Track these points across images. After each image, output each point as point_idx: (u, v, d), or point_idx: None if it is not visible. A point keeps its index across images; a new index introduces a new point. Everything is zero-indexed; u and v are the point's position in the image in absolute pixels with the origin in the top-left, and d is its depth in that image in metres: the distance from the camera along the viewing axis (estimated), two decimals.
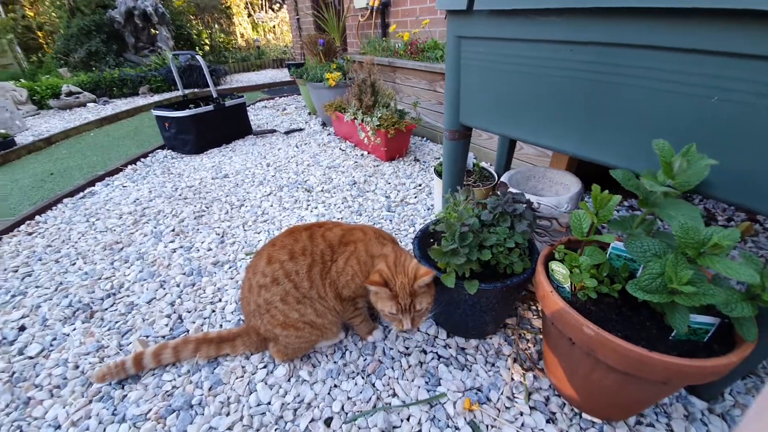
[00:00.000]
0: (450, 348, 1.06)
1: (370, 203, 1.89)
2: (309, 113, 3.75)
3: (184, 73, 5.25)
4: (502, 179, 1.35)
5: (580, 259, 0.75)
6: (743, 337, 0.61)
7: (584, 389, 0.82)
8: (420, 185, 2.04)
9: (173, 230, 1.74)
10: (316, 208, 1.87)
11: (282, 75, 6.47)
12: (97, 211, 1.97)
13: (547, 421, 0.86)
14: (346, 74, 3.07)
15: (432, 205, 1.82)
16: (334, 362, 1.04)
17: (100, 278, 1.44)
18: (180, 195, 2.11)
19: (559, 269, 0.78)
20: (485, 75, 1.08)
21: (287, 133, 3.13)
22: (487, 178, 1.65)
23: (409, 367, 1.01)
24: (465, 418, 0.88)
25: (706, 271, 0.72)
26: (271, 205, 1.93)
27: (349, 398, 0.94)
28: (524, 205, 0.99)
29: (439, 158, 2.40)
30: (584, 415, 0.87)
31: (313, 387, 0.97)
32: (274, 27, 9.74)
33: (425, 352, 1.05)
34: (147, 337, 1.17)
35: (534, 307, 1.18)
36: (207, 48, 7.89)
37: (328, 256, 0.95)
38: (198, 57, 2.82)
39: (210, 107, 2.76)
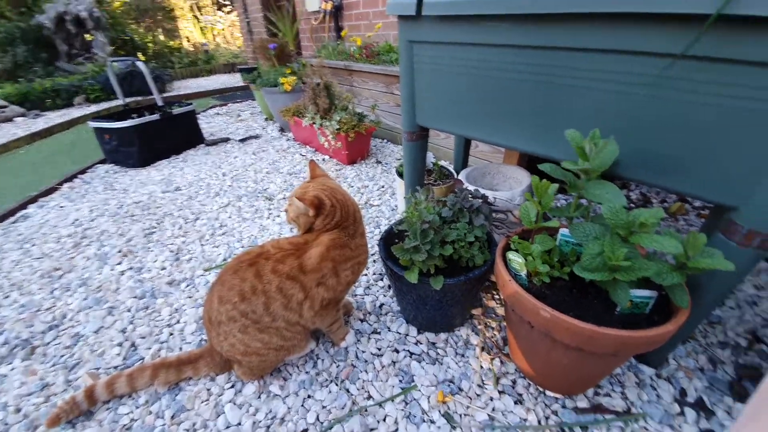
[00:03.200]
0: (421, 344, 1.08)
1: None
2: (265, 119, 3.65)
3: (124, 81, 4.88)
4: (459, 177, 1.40)
5: (532, 247, 0.79)
6: (678, 304, 0.68)
7: (545, 368, 0.87)
8: (383, 187, 2.06)
9: (120, 251, 1.61)
10: (278, 216, 1.82)
11: (234, 80, 6.23)
12: (32, 236, 1.77)
13: (515, 403, 0.91)
14: (301, 78, 3.02)
15: (396, 206, 1.85)
16: (306, 372, 1.02)
17: (39, 310, 1.30)
18: (126, 212, 1.96)
19: (515, 258, 0.82)
20: (437, 77, 1.12)
21: (243, 140, 3.02)
22: (447, 176, 1.70)
23: (383, 367, 1.02)
24: (439, 411, 0.90)
25: (640, 248, 0.80)
26: (230, 217, 1.85)
27: (323, 407, 0.93)
28: (480, 201, 1.04)
29: (400, 159, 2.44)
30: (547, 392, 0.92)
31: (286, 401, 0.95)
32: (223, 30, 9.36)
33: (397, 351, 1.06)
34: (97, 369, 1.08)
35: (497, 296, 1.23)
36: (151, 53, 7.41)
37: (294, 288, 0.87)
38: (139, 63, 2.63)
39: (155, 116, 2.59)
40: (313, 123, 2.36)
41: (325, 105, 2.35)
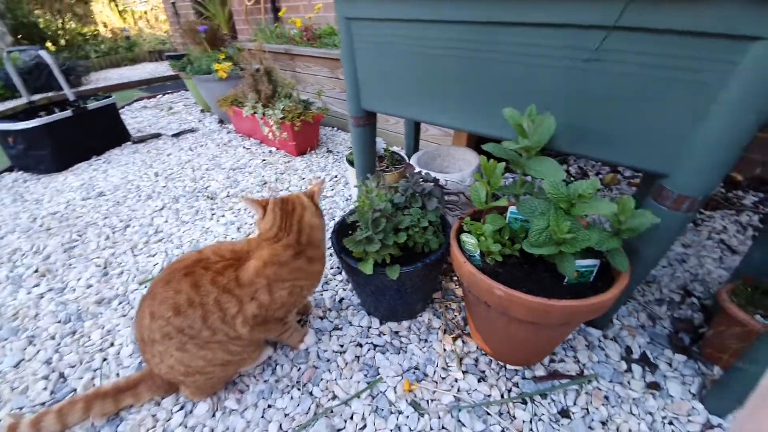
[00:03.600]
0: (384, 335, 1.06)
1: None
2: (202, 110, 3.35)
3: (30, 75, 4.20)
4: (410, 161, 1.37)
5: (483, 228, 0.79)
6: (618, 268, 0.72)
7: (504, 344, 0.89)
8: (336, 177, 1.99)
9: (36, 271, 1.40)
10: (223, 216, 1.68)
11: (163, 68, 5.64)
12: None
13: (479, 381, 0.92)
14: (238, 64, 2.79)
15: (350, 196, 1.79)
16: (265, 381, 0.95)
17: None
18: (41, 226, 1.70)
19: (468, 240, 0.81)
20: (378, 58, 1.06)
21: (177, 135, 2.75)
22: (399, 162, 1.67)
23: (346, 364, 0.98)
24: (406, 400, 0.89)
25: (582, 220, 0.83)
26: (166, 221, 1.67)
27: (286, 415, 0.88)
28: (432, 184, 1.02)
29: (351, 147, 2.36)
30: (508, 366, 0.95)
31: (244, 414, 0.88)
32: (145, 13, 8.40)
33: (360, 345, 1.03)
34: (20, 409, 0.93)
35: (455, 278, 1.24)
36: (63, 42, 6.45)
37: (230, 302, 0.79)
38: (42, 53, 2.25)
39: (67, 113, 2.26)
40: (255, 113, 2.20)
41: (267, 92, 2.19)
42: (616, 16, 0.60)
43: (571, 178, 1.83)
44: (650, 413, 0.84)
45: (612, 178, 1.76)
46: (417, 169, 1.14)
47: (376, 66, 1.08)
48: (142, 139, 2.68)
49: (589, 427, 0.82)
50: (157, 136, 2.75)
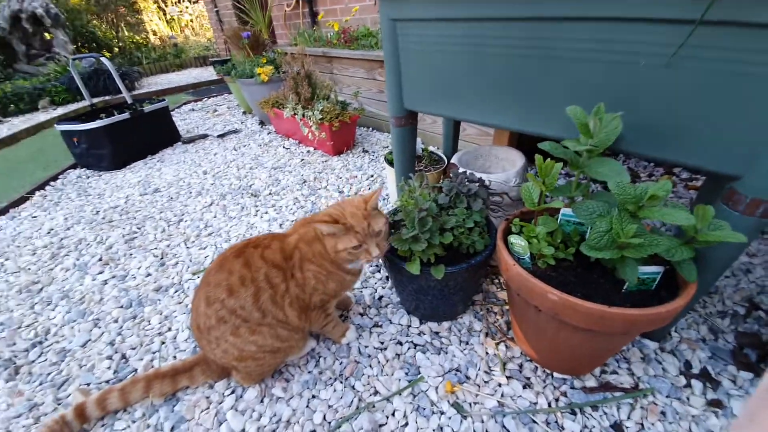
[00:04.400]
0: (424, 335, 1.06)
1: (324, 201, 1.81)
2: (244, 112, 3.51)
3: (90, 80, 4.60)
4: (452, 161, 1.36)
5: (536, 229, 0.77)
6: (686, 278, 0.67)
7: (552, 351, 0.86)
8: (372, 176, 2.01)
9: (100, 259, 1.53)
10: (266, 213, 1.75)
11: (208, 74, 5.97)
12: (5, 250, 1.66)
13: (524, 387, 0.90)
14: (279, 68, 2.90)
15: (387, 195, 1.80)
16: (309, 372, 0.98)
17: (20, 327, 1.22)
18: (104, 218, 1.85)
19: (518, 242, 0.80)
20: (424, 57, 1.07)
21: (222, 136, 2.90)
22: (437, 162, 1.66)
23: (387, 361, 0.99)
24: (449, 401, 0.88)
25: (645, 224, 0.78)
26: (215, 216, 1.77)
27: (329, 407, 0.90)
28: (477, 184, 1.00)
29: (387, 147, 2.38)
30: (555, 374, 0.92)
31: (290, 403, 0.91)
32: (191, 21, 8.92)
33: (401, 344, 1.04)
34: (88, 385, 1.02)
35: (497, 280, 1.22)
36: (116, 50, 7.00)
37: (278, 277, 0.84)
38: (104, 59, 2.46)
39: (125, 115, 2.45)
40: (295, 114, 2.27)
41: (307, 94, 2.26)
42: (703, 11, 0.56)
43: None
44: None
45: (667, 179, 1.65)
46: (461, 169, 1.12)
47: (421, 66, 1.09)
48: (191, 140, 2.85)
49: None
50: (204, 136, 2.91)
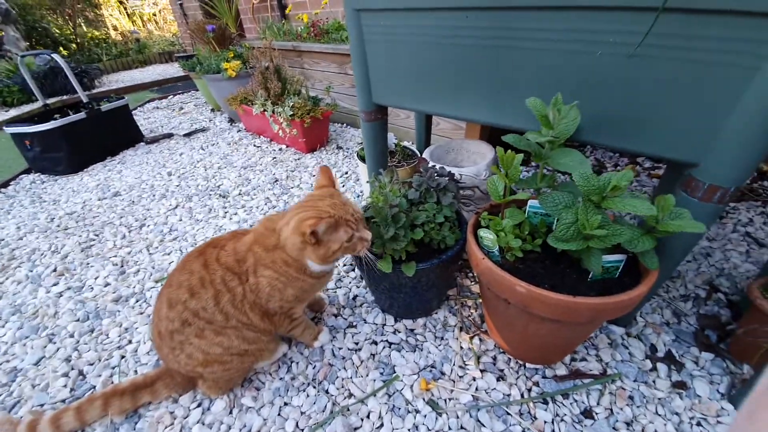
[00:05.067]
0: (399, 332, 1.04)
1: (297, 200, 1.76)
2: (212, 110, 3.37)
3: (46, 79, 4.28)
4: (423, 155, 1.35)
5: (503, 222, 0.76)
6: (647, 267, 0.68)
7: (523, 342, 0.87)
8: (346, 173, 1.98)
9: (55, 270, 1.42)
10: (235, 214, 1.68)
11: (173, 70, 5.70)
12: None
13: (498, 380, 0.90)
14: (247, 62, 2.80)
15: (361, 192, 1.77)
16: (281, 378, 0.95)
17: None
18: (59, 226, 1.73)
19: (486, 235, 0.79)
20: (390, 50, 1.04)
21: (188, 134, 2.77)
22: (410, 157, 1.65)
23: (362, 362, 0.97)
24: (423, 399, 0.87)
25: (608, 214, 0.79)
26: (180, 219, 1.69)
27: (302, 413, 0.87)
28: (447, 178, 0.99)
29: (361, 143, 2.34)
30: (527, 364, 0.92)
31: (261, 412, 0.88)
32: (154, 15, 8.49)
33: (375, 343, 1.02)
34: (41, 406, 0.94)
35: (471, 274, 1.22)
36: (74, 47, 6.57)
37: (234, 281, 0.79)
38: (56, 56, 2.28)
39: (81, 115, 2.29)
40: (265, 110, 2.19)
41: (276, 89, 2.18)
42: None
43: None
44: (677, 413, 0.81)
45: (631, 169, 1.71)
46: (431, 164, 1.11)
47: (388, 59, 1.06)
48: (154, 140, 2.71)
49: (614, 428, 0.79)
50: (170, 136, 2.77)
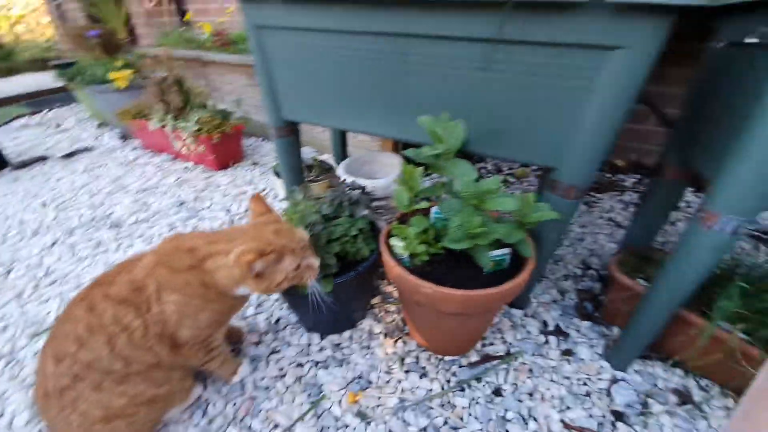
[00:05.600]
0: (326, 349, 1.04)
1: (208, 223, 1.63)
2: (99, 125, 2.94)
3: None
4: (338, 169, 1.37)
5: (407, 230, 0.82)
6: (523, 255, 0.80)
7: (438, 337, 0.94)
8: (264, 189, 1.90)
9: None
10: (131, 246, 1.49)
11: (50, 80, 4.82)
12: None
13: (420, 377, 0.95)
14: (140, 72, 2.52)
15: (281, 209, 1.72)
16: (195, 425, 0.87)
17: None
18: None
19: (396, 243, 0.84)
20: (294, 67, 1.04)
21: (68, 156, 2.37)
22: (329, 170, 1.66)
23: (287, 388, 0.94)
24: (352, 412, 0.88)
25: (495, 214, 0.90)
26: (59, 259, 1.43)
27: None
28: (359, 191, 1.03)
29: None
30: (446, 358, 1.00)
31: None
32: (23, 17, 7.11)
33: (301, 365, 1.00)
34: None
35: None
36: None
37: (129, 315, 0.69)
38: None
39: None
40: (164, 126, 2.00)
41: (177, 103, 2.00)
42: (498, 30, 0.66)
43: (489, 175, 2.00)
44: (567, 377, 0.95)
45: (522, 171, 1.96)
46: (342, 178, 1.14)
47: (293, 75, 1.06)
48: (24, 165, 2.26)
49: (519, 400, 0.90)
50: (43, 159, 2.34)
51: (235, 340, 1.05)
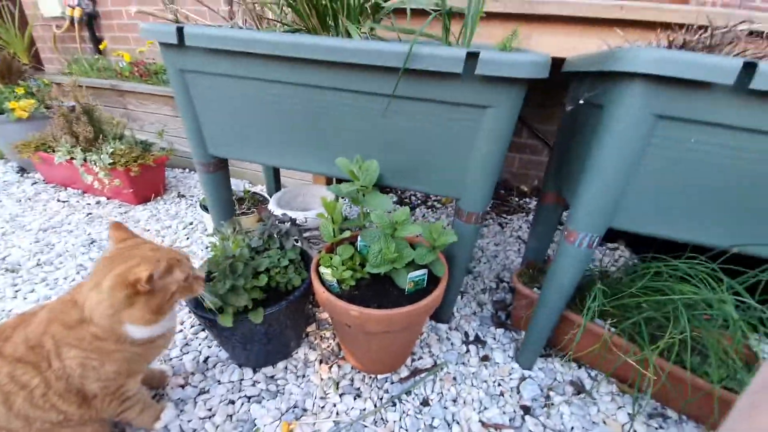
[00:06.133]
0: (259, 383, 1.03)
1: None
2: None
3: None
4: (270, 202, 1.40)
5: (333, 259, 0.89)
6: (436, 274, 0.92)
7: (369, 357, 1.00)
8: (191, 223, 1.82)
9: None
10: (31, 291, 1.32)
11: None
12: None
13: (355, 398, 0.99)
14: (43, 102, 2.29)
15: (210, 243, 1.66)
16: None
17: None
18: None
19: (325, 271, 0.90)
20: (221, 107, 1.08)
21: None
22: (261, 202, 1.67)
23: (217, 428, 0.91)
24: None
25: (412, 239, 1.02)
26: None
27: None
28: (288, 224, 1.08)
29: None
30: (379, 376, 1.06)
31: None
32: None
33: (232, 402, 0.97)
34: None
35: None
36: None
37: (28, 374, 0.65)
38: None
39: None
40: (73, 158, 1.83)
41: (87, 134, 1.86)
42: (393, 90, 0.80)
43: (418, 201, 2.18)
44: (485, 381, 1.07)
45: (447, 199, 2.18)
46: (273, 210, 1.18)
47: (218, 114, 1.10)
48: None
49: (444, 407, 0.99)
50: None
51: (156, 385, 0.99)
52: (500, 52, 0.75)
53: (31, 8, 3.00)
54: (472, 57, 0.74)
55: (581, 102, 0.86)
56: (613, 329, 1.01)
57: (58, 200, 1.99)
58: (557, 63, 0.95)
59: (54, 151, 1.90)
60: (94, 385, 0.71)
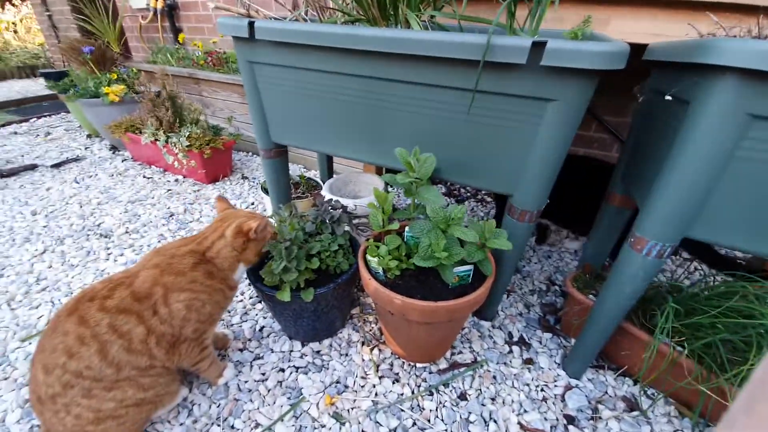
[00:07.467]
0: (306, 356, 1.11)
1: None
2: (88, 135, 2.98)
3: None
4: (323, 188, 1.47)
5: (380, 249, 0.92)
6: (484, 273, 0.90)
7: (409, 345, 1.03)
8: (253, 203, 1.98)
9: None
10: (121, 255, 1.54)
11: (38, 87, 4.83)
12: None
13: (393, 383, 1.03)
14: (132, 87, 2.59)
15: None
16: (181, 424, 0.92)
17: None
18: None
19: (371, 259, 0.93)
20: (284, 97, 1.14)
21: (58, 165, 2.41)
22: (315, 187, 1.75)
23: (269, 391, 1.01)
24: (329, 413, 0.95)
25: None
26: (50, 266, 1.47)
27: None
28: (340, 211, 1.12)
29: None
30: (417, 365, 1.08)
31: None
32: (13, 24, 7.08)
33: (282, 370, 1.07)
34: None
35: None
36: None
37: (131, 322, 0.77)
38: None
39: None
40: (156, 140, 2.07)
41: (169, 118, 2.08)
42: (475, 84, 0.78)
43: (467, 194, 2.13)
44: (527, 384, 1.05)
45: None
46: (327, 197, 1.23)
47: (282, 104, 1.17)
48: (12, 172, 2.28)
49: (482, 404, 0.99)
50: (33, 167, 2.36)
51: (220, 347, 1.11)
52: (569, 41, 0.70)
53: (121, 0, 3.36)
54: (538, 46, 0.70)
55: (667, 98, 0.77)
56: (679, 348, 0.92)
57: (144, 176, 2.27)
58: (638, 49, 0.86)
59: (141, 133, 2.16)
60: (190, 329, 0.86)
